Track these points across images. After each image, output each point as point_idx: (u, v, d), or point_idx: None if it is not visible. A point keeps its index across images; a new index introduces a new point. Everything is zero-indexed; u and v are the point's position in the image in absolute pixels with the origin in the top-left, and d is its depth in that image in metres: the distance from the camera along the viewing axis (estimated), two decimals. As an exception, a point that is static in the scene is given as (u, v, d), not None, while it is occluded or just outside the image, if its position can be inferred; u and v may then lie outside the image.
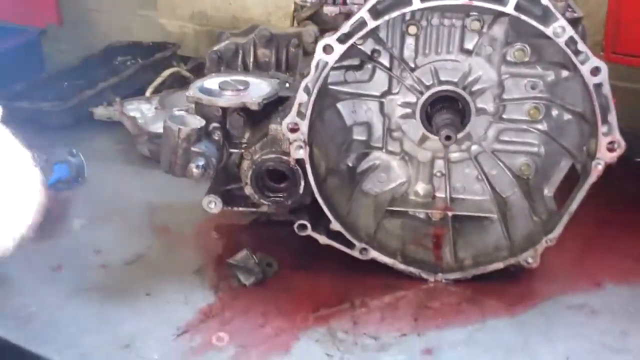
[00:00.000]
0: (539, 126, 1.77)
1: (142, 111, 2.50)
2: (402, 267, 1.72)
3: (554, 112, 1.74)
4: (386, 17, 1.51)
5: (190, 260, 1.77)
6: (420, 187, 1.85)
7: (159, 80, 2.65)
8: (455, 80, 1.72)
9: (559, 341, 1.52)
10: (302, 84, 1.56)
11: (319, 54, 1.54)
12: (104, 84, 2.63)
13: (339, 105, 1.79)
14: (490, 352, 1.49)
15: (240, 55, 1.79)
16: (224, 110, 1.63)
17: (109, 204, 1.98)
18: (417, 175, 1.85)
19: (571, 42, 1.50)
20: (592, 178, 1.58)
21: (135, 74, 2.77)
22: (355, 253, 1.70)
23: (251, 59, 1.79)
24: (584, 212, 1.73)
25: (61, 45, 3.16)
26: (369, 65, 1.75)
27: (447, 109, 1.71)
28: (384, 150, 1.83)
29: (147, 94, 2.61)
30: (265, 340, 1.51)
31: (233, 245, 1.85)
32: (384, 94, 1.78)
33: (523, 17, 1.48)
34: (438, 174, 1.84)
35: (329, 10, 1.75)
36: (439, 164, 1.83)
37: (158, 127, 2.14)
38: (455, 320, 1.59)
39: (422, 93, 1.73)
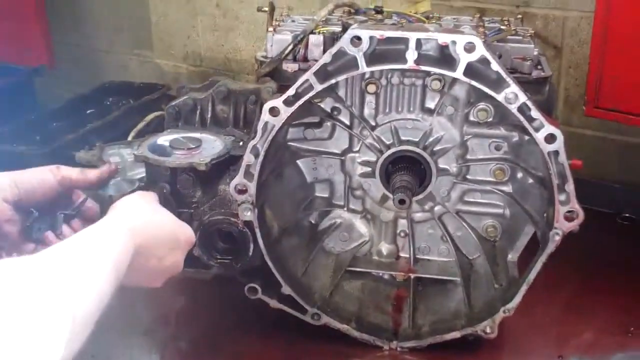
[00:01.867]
0: (504, 188, 1.70)
1: (123, 156, 2.48)
2: (356, 334, 1.66)
3: (519, 175, 1.68)
4: (333, 81, 1.47)
5: (141, 320, 1.74)
6: (384, 247, 1.80)
7: (142, 124, 2.63)
8: (417, 139, 1.68)
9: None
10: (249, 146, 1.53)
11: (265, 116, 1.50)
12: (89, 127, 2.62)
13: (299, 162, 1.75)
14: None
15: (198, 111, 1.76)
16: (173, 170, 1.60)
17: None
18: (380, 235, 1.80)
19: (525, 108, 1.44)
20: (550, 248, 1.51)
21: (123, 115, 2.75)
22: (307, 318, 1.65)
23: (209, 115, 1.76)
24: (551, 275, 1.67)
25: (57, 84, 3.18)
26: (329, 123, 1.71)
27: (406, 170, 1.66)
28: (345, 209, 1.79)
29: (129, 137, 2.59)
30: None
31: (190, 303, 1.82)
32: (344, 152, 1.73)
33: (473, 82, 1.43)
34: (402, 234, 1.79)
35: (289, 66, 1.72)
36: (403, 223, 1.78)
37: (135, 174, 2.12)
38: (404, 394, 1.53)
39: (382, 152, 1.69)
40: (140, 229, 1.25)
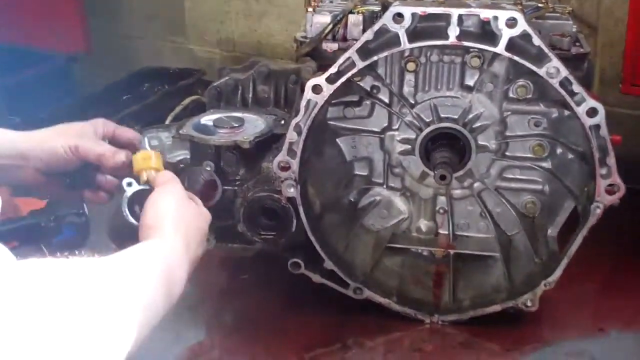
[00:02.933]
0: (543, 164, 1.72)
1: (161, 139, 2.52)
2: (397, 307, 1.69)
3: (558, 151, 1.69)
4: (375, 58, 1.49)
5: (187, 296, 1.76)
6: (423, 224, 1.82)
7: (179, 107, 2.67)
8: (456, 117, 1.69)
9: (553, 391, 1.47)
10: (292, 123, 1.55)
11: (308, 94, 1.53)
12: (126, 112, 2.67)
13: (339, 141, 1.78)
14: (478, 403, 1.45)
15: (239, 91, 1.79)
16: (217, 148, 1.63)
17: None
18: (419, 212, 1.81)
19: (567, 82, 1.45)
20: (592, 221, 1.52)
21: (159, 100, 2.80)
22: (350, 292, 1.68)
23: (250, 95, 1.79)
24: (590, 252, 1.68)
25: (94, 71, 3.23)
26: (368, 102, 1.73)
27: (445, 147, 1.68)
28: (385, 186, 1.81)
29: (167, 121, 2.63)
30: (250, 382, 1.50)
31: (232, 279, 1.86)
32: (383, 130, 1.75)
33: (515, 57, 1.44)
34: (441, 211, 1.80)
35: (328, 46, 1.73)
36: (442, 200, 1.79)
37: (174, 156, 2.16)
38: (447, 366, 1.55)
39: (421, 130, 1.70)
40: (190, 243, 1.28)
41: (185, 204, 1.36)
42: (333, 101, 1.69)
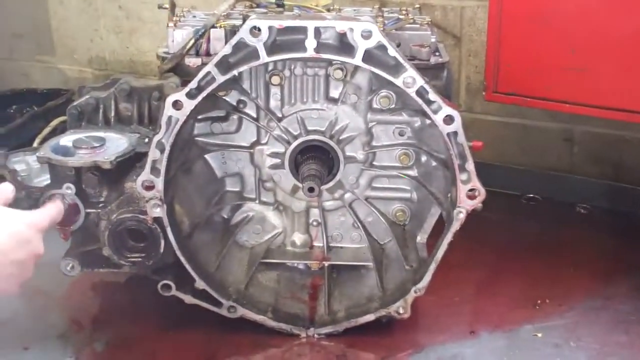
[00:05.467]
0: (410, 172, 1.75)
1: (29, 163, 2.41)
2: (272, 323, 1.67)
3: (423, 158, 1.73)
4: (234, 72, 1.48)
5: (57, 324, 1.70)
6: (297, 237, 1.81)
7: (47, 129, 2.56)
8: (323, 129, 1.70)
9: (424, 397, 1.48)
10: (154, 141, 1.51)
11: (168, 110, 1.49)
12: (-9, 135, 2.55)
13: (208, 157, 1.75)
14: (352, 413, 1.45)
15: (101, 110, 1.73)
16: (77, 169, 1.57)
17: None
18: (293, 225, 1.81)
19: (423, 91, 1.48)
20: (455, 226, 1.55)
21: (27, 123, 2.68)
22: (224, 311, 1.65)
23: (112, 114, 1.73)
24: (462, 256, 1.73)
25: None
26: (235, 117, 1.72)
27: (314, 159, 1.68)
28: (257, 201, 1.79)
29: (35, 144, 2.52)
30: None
31: (104, 305, 1.80)
32: (252, 145, 1.74)
33: (371, 68, 1.46)
34: (314, 223, 1.80)
35: (191, 61, 1.71)
36: (315, 212, 1.80)
37: (41, 181, 2.06)
38: (322, 379, 1.54)
39: (289, 143, 1.70)
40: None
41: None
42: (199, 117, 1.67)
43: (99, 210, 1.59)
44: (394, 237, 1.76)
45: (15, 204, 2.18)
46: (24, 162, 2.42)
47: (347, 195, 1.77)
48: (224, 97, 1.68)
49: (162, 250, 1.58)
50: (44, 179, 1.88)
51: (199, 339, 1.65)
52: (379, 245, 1.79)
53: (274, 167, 1.74)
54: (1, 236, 1.32)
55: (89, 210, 1.59)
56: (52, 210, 1.52)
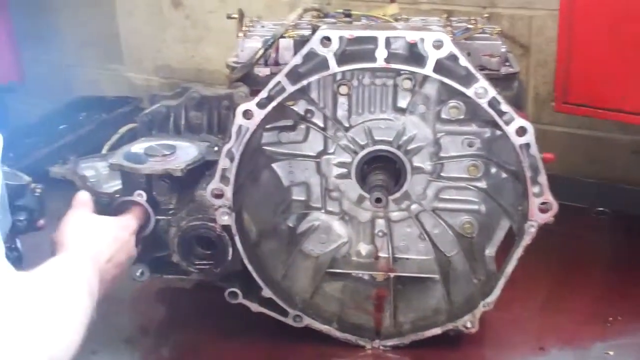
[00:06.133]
0: (478, 184, 1.72)
1: (98, 169, 2.46)
2: (338, 334, 1.66)
3: (493, 170, 1.70)
4: (304, 82, 1.48)
5: (123, 329, 1.72)
6: (362, 248, 1.81)
7: (116, 136, 2.61)
8: (390, 139, 1.69)
9: (494, 413, 1.46)
10: (224, 150, 1.53)
11: (238, 119, 1.51)
12: (62, 142, 2.61)
13: (275, 166, 1.76)
14: None
15: (171, 118, 1.76)
16: (148, 176, 1.60)
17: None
18: (358, 236, 1.80)
19: (495, 102, 1.46)
20: (526, 240, 1.53)
21: (96, 130, 2.74)
22: (289, 320, 1.65)
23: (182, 122, 1.76)
24: (530, 269, 1.69)
25: (29, 101, 3.16)
26: (303, 126, 1.72)
27: (381, 170, 1.68)
28: (323, 211, 1.79)
29: (104, 151, 2.57)
30: (187, 418, 1.46)
31: (170, 311, 1.82)
32: (319, 154, 1.74)
33: (442, 78, 1.45)
34: (380, 234, 1.79)
35: (260, 71, 1.72)
36: (380, 223, 1.79)
37: (110, 187, 2.10)
38: (388, 391, 1.53)
39: (356, 153, 1.70)
40: (97, 253, 1.37)
41: (90, 219, 1.48)
42: (267, 126, 1.68)
43: (169, 217, 1.61)
44: (461, 249, 1.74)
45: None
46: (94, 169, 2.48)
47: (414, 207, 1.75)
48: (292, 107, 1.69)
49: (229, 257, 1.59)
50: (113, 185, 1.92)
51: (264, 347, 1.66)
52: (446, 258, 1.77)
53: (341, 176, 1.74)
54: (108, 241, 1.42)
55: (159, 217, 1.61)
56: (139, 213, 1.57)
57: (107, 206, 1.66)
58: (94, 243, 1.40)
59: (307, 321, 1.65)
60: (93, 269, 1.32)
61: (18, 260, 2.01)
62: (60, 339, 1.09)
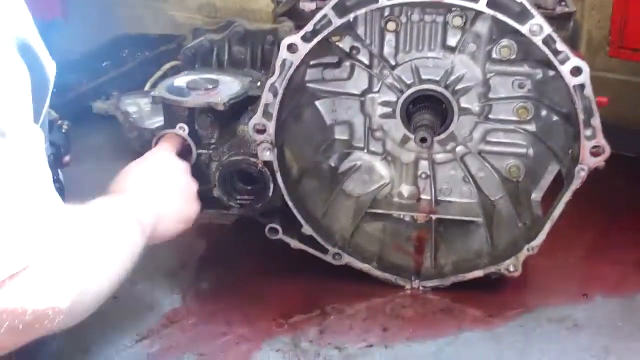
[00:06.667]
0: (527, 127, 1.68)
1: (140, 105, 2.47)
2: (377, 273, 1.65)
3: (543, 113, 1.65)
4: (351, 15, 1.44)
5: (164, 263, 1.73)
6: (405, 189, 1.78)
7: (158, 73, 2.60)
8: (437, 78, 1.64)
9: (534, 357, 1.43)
10: (267, 84, 1.50)
11: (283, 53, 1.48)
12: (105, 78, 2.61)
13: (318, 104, 1.73)
14: (457, 369, 1.42)
15: (214, 53, 1.74)
16: (190, 110, 1.58)
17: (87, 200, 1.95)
18: (400, 177, 1.77)
19: (550, 40, 1.40)
20: (576, 184, 1.49)
21: (138, 67, 2.73)
22: (329, 258, 1.64)
23: (226, 56, 1.74)
24: (575, 217, 1.65)
25: (71, 37, 3.15)
26: (348, 63, 1.68)
27: (427, 109, 1.63)
28: (365, 151, 1.77)
29: (146, 88, 2.57)
30: (225, 349, 1.47)
31: (210, 246, 1.82)
32: (364, 93, 1.71)
33: (496, 14, 1.40)
34: (423, 176, 1.76)
35: (306, 5, 1.67)
36: (424, 164, 1.76)
37: (152, 123, 2.11)
38: (427, 332, 1.51)
39: (402, 92, 1.66)
40: (156, 214, 1.37)
41: (150, 164, 1.47)
42: (311, 62, 1.65)
43: (211, 152, 1.61)
44: (506, 193, 1.70)
45: (128, 143, 2.25)
46: (136, 105, 2.48)
47: (459, 148, 1.71)
48: (337, 43, 1.65)
49: (270, 193, 1.58)
50: (156, 121, 1.92)
51: (303, 284, 1.66)
52: (490, 201, 1.73)
53: (385, 116, 1.70)
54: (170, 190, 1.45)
55: (200, 151, 1.60)
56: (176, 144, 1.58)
57: (148, 142, 1.66)
58: (153, 186, 1.40)
59: (347, 259, 1.64)
60: (147, 209, 1.33)
61: (60, 192, 2.03)
62: (96, 273, 1.08)
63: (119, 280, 1.17)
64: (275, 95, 1.51)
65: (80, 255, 1.01)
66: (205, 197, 1.64)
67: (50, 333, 1.00)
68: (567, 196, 1.50)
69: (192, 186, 1.50)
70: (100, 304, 1.11)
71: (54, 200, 1.00)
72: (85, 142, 2.29)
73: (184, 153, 1.59)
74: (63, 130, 1.63)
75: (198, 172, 1.61)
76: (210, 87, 1.61)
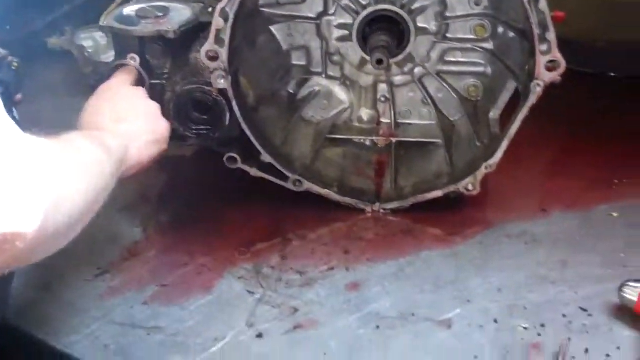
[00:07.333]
0: (485, 45, 1.66)
1: (96, 39, 2.41)
2: (337, 197, 1.65)
3: (500, 30, 1.63)
4: None
5: (124, 197, 1.72)
6: (364, 113, 1.77)
7: (113, 6, 2.53)
8: (394, -2, 1.62)
9: (492, 272, 1.45)
10: (218, 9, 1.47)
11: (232, -24, 1.44)
12: (59, 12, 2.54)
13: (273, 29, 1.70)
14: (417, 287, 1.43)
15: (164, -21, 1.68)
16: (141, 39, 1.54)
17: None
18: (360, 101, 1.76)
19: (503, -47, 1.38)
20: (532, 100, 1.48)
21: (94, 0, 2.66)
22: (289, 185, 1.64)
23: (176, -17, 1.68)
24: (535, 134, 1.66)
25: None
26: (302, -15, 1.65)
27: (384, 30, 1.61)
28: (324, 76, 1.74)
29: (101, 21, 2.50)
30: (187, 279, 1.47)
31: (170, 179, 1.81)
32: (319, 16, 1.67)
33: None
34: (382, 99, 1.75)
35: None
36: (383, 88, 1.74)
37: (108, 57, 2.05)
38: (388, 253, 1.52)
39: (358, 13, 1.63)
40: (129, 140, 1.34)
41: (106, 96, 1.45)
42: (265, -14, 1.61)
43: (164, 82, 1.58)
44: (465, 113, 1.70)
45: (83, 79, 2.20)
46: (91, 39, 2.42)
47: (417, 70, 1.70)
48: (289, -35, 1.61)
49: (227, 122, 1.56)
50: (111, 55, 1.87)
51: (265, 212, 1.65)
52: (449, 122, 1.73)
53: (342, 39, 1.68)
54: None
55: (153, 82, 1.57)
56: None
57: (104, 76, 1.62)
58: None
59: (307, 185, 1.64)
60: (114, 139, 1.30)
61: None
62: (65, 196, 1.03)
63: (93, 207, 1.15)
64: (226, 20, 1.48)
65: (46, 178, 0.97)
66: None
67: (24, 262, 0.99)
68: (523, 112, 1.50)
69: (153, 106, 1.47)
70: (75, 232, 1.10)
71: (10, 126, 0.97)
72: (40, 79, 2.24)
73: (137, 84, 1.56)
74: (13, 68, 1.59)
75: (152, 103, 1.58)
76: (161, 14, 1.56)
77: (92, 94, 1.49)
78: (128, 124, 1.38)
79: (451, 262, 1.49)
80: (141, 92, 1.50)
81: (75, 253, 1.48)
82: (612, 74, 2.23)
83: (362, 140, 1.77)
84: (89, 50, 2.27)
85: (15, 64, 1.57)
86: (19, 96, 1.55)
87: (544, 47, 1.44)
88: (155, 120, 1.46)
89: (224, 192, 1.71)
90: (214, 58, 1.51)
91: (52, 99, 2.13)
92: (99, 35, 2.43)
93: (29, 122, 1.48)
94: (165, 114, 1.54)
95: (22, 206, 0.93)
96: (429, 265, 1.49)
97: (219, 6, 1.46)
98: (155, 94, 1.57)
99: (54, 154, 1.04)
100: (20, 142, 0.96)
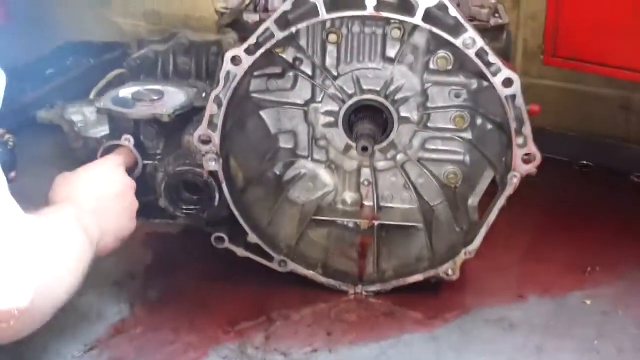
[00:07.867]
0: (464, 135, 1.74)
1: (85, 114, 2.46)
2: (322, 279, 1.70)
3: (478, 121, 1.72)
4: (293, 29, 1.48)
5: (111, 273, 1.75)
6: (348, 196, 1.83)
7: (104, 82, 2.60)
8: (378, 88, 1.70)
9: (470, 357, 1.50)
10: (212, 96, 1.53)
11: (227, 65, 1.51)
12: (50, 86, 2.60)
13: (263, 114, 1.77)
14: (399, 370, 1.47)
15: (160, 64, 1.76)
16: (136, 121, 1.60)
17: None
18: (344, 184, 1.82)
19: (483, 53, 1.47)
20: (509, 191, 1.55)
21: (83, 75, 2.73)
22: (275, 265, 1.68)
23: (171, 67, 1.76)
24: (511, 220, 1.72)
25: (14, 44, 3.11)
26: (291, 74, 1.72)
27: (368, 119, 1.68)
28: (310, 159, 1.81)
29: (91, 96, 2.56)
30: (173, 357, 1.49)
31: (157, 256, 1.84)
32: (307, 103, 1.75)
33: (432, 28, 1.45)
34: (365, 183, 1.81)
35: (250, 17, 1.72)
36: (366, 172, 1.81)
37: (98, 132, 2.10)
38: (370, 335, 1.56)
39: (344, 102, 1.71)
40: (100, 228, 1.39)
41: (98, 177, 1.49)
42: (255, 73, 1.68)
43: (156, 162, 1.63)
44: (445, 199, 1.77)
45: (73, 153, 2.24)
46: (81, 114, 2.47)
47: (400, 156, 1.77)
48: (280, 54, 1.69)
49: (216, 203, 1.61)
50: (101, 130, 1.92)
51: (250, 292, 1.69)
52: (430, 207, 1.79)
53: (328, 125, 1.75)
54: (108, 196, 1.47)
55: (146, 162, 1.62)
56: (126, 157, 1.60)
57: (94, 151, 1.67)
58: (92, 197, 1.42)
59: (292, 266, 1.68)
60: (94, 222, 1.35)
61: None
62: (52, 275, 1.11)
63: (74, 286, 1.21)
64: (219, 106, 1.55)
65: (37, 259, 1.04)
66: (151, 207, 1.67)
67: (12, 338, 1.03)
68: (501, 202, 1.57)
69: (135, 205, 1.53)
70: (57, 308, 1.15)
71: (10, 206, 1.03)
72: (30, 152, 2.27)
73: (131, 164, 1.61)
74: (9, 147, 1.64)
75: (144, 182, 1.63)
76: (156, 98, 1.63)
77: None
78: (110, 213, 1.44)
79: (431, 346, 1.53)
80: (130, 184, 1.53)
81: (64, 328, 1.53)
82: (585, 162, 2.32)
83: (345, 223, 1.82)
84: (79, 125, 2.32)
85: (11, 143, 1.61)
86: (13, 174, 1.59)
87: (520, 141, 1.52)
88: (131, 218, 1.51)
89: (210, 271, 1.75)
90: (206, 142, 1.57)
91: (42, 173, 2.15)
92: (89, 111, 2.47)
93: (20, 195, 1.54)
94: (156, 193, 1.60)
95: (18, 284, 0.98)
96: (410, 349, 1.53)
97: (214, 93, 1.53)
98: (147, 174, 1.63)
99: (46, 234, 1.11)
100: (19, 223, 1.02)
